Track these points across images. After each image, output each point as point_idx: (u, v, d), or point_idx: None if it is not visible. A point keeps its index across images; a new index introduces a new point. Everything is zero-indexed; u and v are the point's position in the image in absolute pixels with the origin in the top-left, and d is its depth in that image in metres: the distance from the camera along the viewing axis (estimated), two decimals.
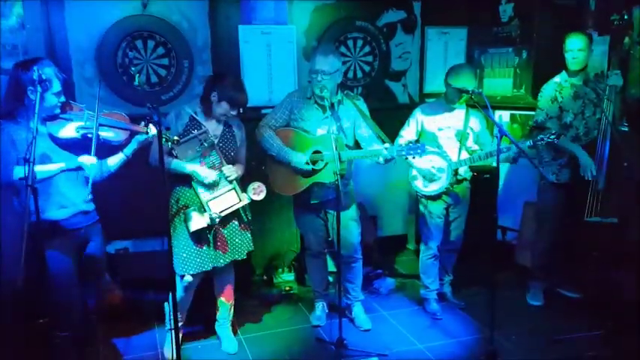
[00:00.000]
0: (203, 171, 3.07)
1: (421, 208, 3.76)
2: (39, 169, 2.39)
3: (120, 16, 3.90)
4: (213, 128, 3.18)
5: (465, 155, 3.59)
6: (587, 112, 3.61)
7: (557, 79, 3.68)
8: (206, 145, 3.08)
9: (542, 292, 3.94)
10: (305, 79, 4.41)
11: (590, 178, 3.44)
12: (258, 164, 3.58)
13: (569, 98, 3.61)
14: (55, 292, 2.52)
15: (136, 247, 4.23)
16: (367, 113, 3.41)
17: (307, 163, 3.28)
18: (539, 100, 3.73)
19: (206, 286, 3.40)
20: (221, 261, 3.18)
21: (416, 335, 3.57)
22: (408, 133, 3.69)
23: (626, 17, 3.52)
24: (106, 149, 2.66)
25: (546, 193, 3.78)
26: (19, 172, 2.35)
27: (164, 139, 2.66)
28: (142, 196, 3.43)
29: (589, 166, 3.45)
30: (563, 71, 3.67)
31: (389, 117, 3.93)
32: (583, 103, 3.60)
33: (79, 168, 2.49)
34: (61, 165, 2.48)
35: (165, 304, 3.39)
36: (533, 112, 4.35)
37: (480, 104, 3.26)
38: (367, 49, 4.62)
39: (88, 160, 2.47)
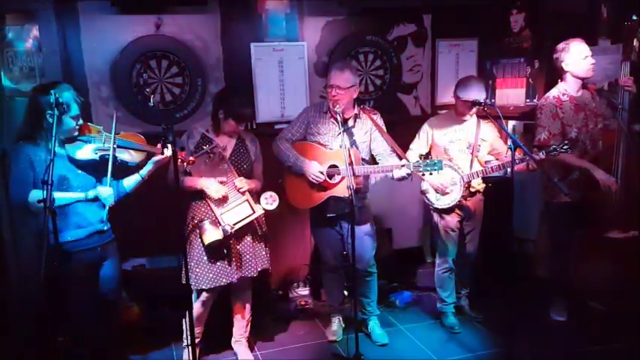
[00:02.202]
0: (213, 186, 3.10)
1: (435, 221, 3.74)
2: (56, 196, 2.44)
3: (134, 36, 3.96)
4: (225, 143, 3.22)
5: (477, 167, 3.58)
6: (590, 123, 3.49)
7: (554, 92, 3.54)
8: (215, 158, 3.10)
9: (565, 308, 3.83)
10: (316, 94, 4.44)
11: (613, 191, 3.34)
12: (273, 178, 3.59)
13: (570, 112, 3.48)
14: (72, 312, 2.55)
15: (153, 263, 4.24)
16: (384, 128, 3.42)
17: (321, 173, 3.29)
18: (538, 118, 3.55)
19: (224, 301, 3.41)
20: (235, 277, 3.19)
21: (433, 350, 3.54)
22: (418, 147, 3.68)
23: (634, 18, 3.44)
24: (122, 170, 2.69)
25: (557, 212, 3.64)
26: (37, 194, 2.39)
27: (180, 160, 2.70)
28: (159, 213, 3.45)
29: (609, 181, 3.34)
30: (560, 83, 3.55)
31: (401, 129, 3.92)
32: (585, 114, 3.49)
33: (96, 199, 2.55)
34: (80, 195, 2.54)
35: (184, 319, 3.40)
36: None
37: (492, 115, 3.25)
38: (378, 62, 4.63)
39: (105, 191, 2.53)
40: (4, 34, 3.54)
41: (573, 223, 3.60)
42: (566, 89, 3.52)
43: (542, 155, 3.28)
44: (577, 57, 3.44)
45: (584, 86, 3.56)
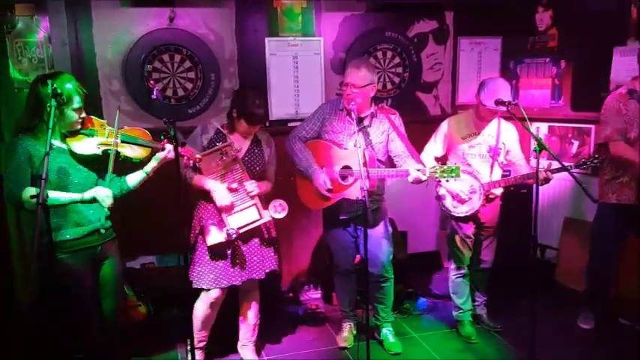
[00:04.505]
0: (220, 191, 2.99)
1: (450, 227, 3.59)
2: (52, 195, 2.35)
3: (146, 29, 3.88)
4: (240, 142, 3.11)
5: (498, 172, 3.41)
6: None
7: (622, 89, 3.39)
8: (228, 158, 3.00)
9: (592, 315, 3.67)
10: (332, 91, 4.32)
11: None
12: (285, 178, 3.48)
13: (634, 111, 3.30)
14: (71, 312, 2.46)
15: (162, 261, 4.17)
16: (402, 128, 3.28)
17: (329, 190, 3.18)
18: (602, 113, 3.41)
19: (231, 303, 3.30)
20: (239, 279, 3.09)
21: None
22: (433, 149, 3.52)
23: None
24: (126, 166, 2.59)
25: (604, 214, 3.49)
26: (31, 191, 2.31)
27: (186, 158, 2.60)
28: (170, 209, 3.37)
29: None
30: (630, 81, 3.40)
31: (420, 129, 3.77)
32: None
33: (94, 200, 2.42)
34: (76, 196, 2.41)
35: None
36: (572, 125, 4.17)
37: (516, 116, 3.08)
38: (397, 60, 4.49)
39: (102, 192, 2.40)
40: (13, 24, 3.47)
41: (618, 226, 3.45)
42: (635, 87, 3.34)
43: (570, 167, 3.12)
44: None
45: None
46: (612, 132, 3.31)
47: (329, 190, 3.18)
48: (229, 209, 3.02)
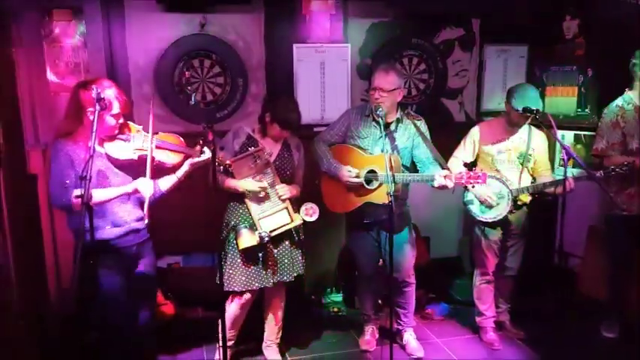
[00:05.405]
0: (254, 184, 3.05)
1: (476, 231, 3.59)
2: (99, 193, 2.43)
3: (178, 35, 3.97)
4: (271, 147, 3.17)
5: (527, 179, 3.41)
6: None
7: (619, 101, 3.41)
8: (261, 162, 3.06)
9: (616, 324, 3.65)
10: (358, 97, 4.36)
11: None
12: (310, 180, 3.53)
13: (633, 123, 3.31)
14: (107, 310, 2.53)
15: (188, 261, 4.24)
16: (428, 135, 3.30)
17: (357, 176, 3.19)
18: (599, 125, 3.46)
19: (256, 305, 3.35)
20: (271, 281, 3.14)
21: None
22: (463, 155, 3.53)
23: None
24: (159, 170, 2.67)
25: (615, 225, 3.51)
26: (75, 192, 2.38)
27: (217, 163, 2.66)
28: (197, 211, 3.45)
29: None
30: (626, 92, 3.41)
31: (444, 135, 3.79)
32: None
33: (136, 191, 2.50)
34: (120, 190, 2.50)
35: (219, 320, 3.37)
36: None
37: (544, 124, 3.09)
38: (423, 66, 4.52)
39: (143, 183, 2.48)
40: (51, 29, 3.59)
41: (631, 238, 3.43)
42: (632, 98, 3.37)
43: (599, 174, 3.12)
44: None
45: None
46: (607, 147, 3.36)
47: (357, 176, 3.20)
48: (264, 199, 3.08)
